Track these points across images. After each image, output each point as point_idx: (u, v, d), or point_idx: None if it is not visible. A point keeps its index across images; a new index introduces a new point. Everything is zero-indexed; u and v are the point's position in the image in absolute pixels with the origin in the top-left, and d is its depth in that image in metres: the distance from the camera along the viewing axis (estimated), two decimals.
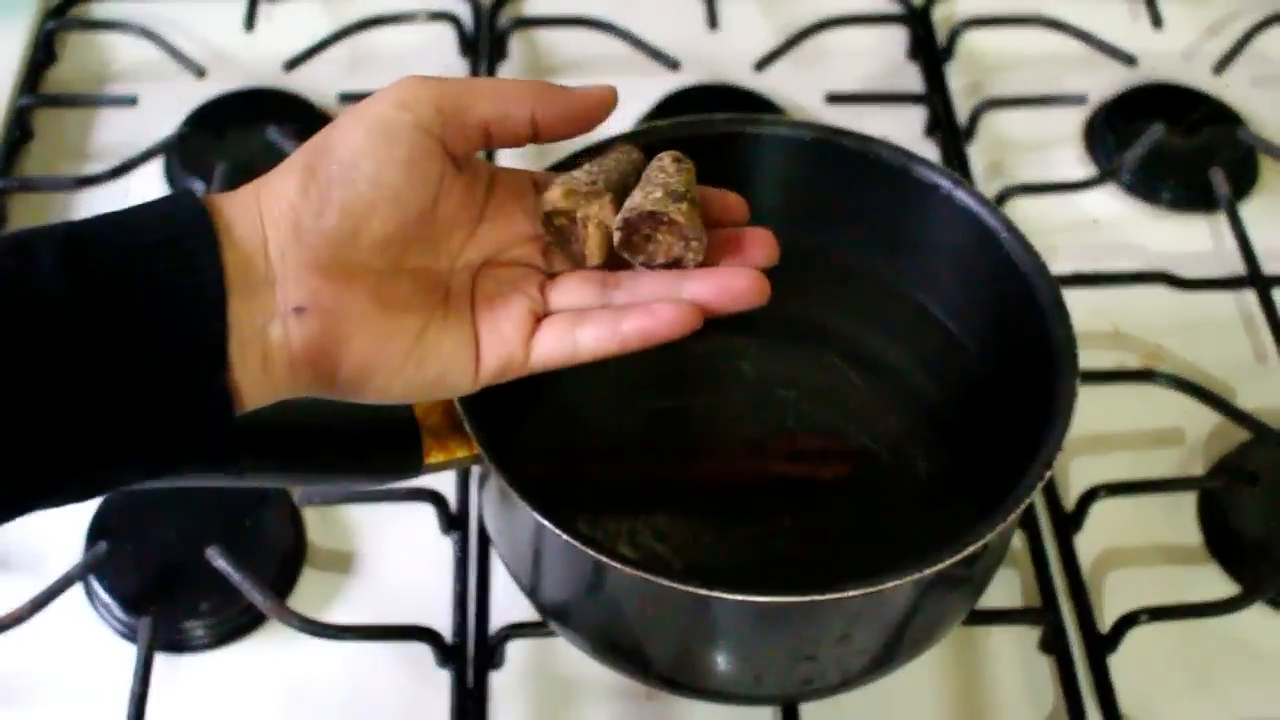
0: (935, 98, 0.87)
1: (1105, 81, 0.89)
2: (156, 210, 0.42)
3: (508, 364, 0.46)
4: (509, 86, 0.46)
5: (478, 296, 0.47)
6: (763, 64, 0.89)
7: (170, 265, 0.41)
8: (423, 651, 0.62)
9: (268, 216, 0.43)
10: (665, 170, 0.49)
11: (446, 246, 0.47)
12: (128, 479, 0.42)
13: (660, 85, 0.87)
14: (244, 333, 0.41)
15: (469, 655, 0.63)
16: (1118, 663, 0.63)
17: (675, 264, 0.48)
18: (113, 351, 0.39)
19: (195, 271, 0.41)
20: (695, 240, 0.47)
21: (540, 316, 0.47)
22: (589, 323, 0.47)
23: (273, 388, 0.43)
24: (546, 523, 0.51)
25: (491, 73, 0.88)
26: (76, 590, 0.64)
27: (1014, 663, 0.64)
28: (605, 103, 0.47)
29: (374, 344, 0.44)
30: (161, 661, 0.62)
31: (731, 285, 0.47)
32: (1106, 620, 0.65)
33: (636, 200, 0.48)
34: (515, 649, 0.63)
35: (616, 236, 0.48)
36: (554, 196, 0.47)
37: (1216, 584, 0.67)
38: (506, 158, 0.84)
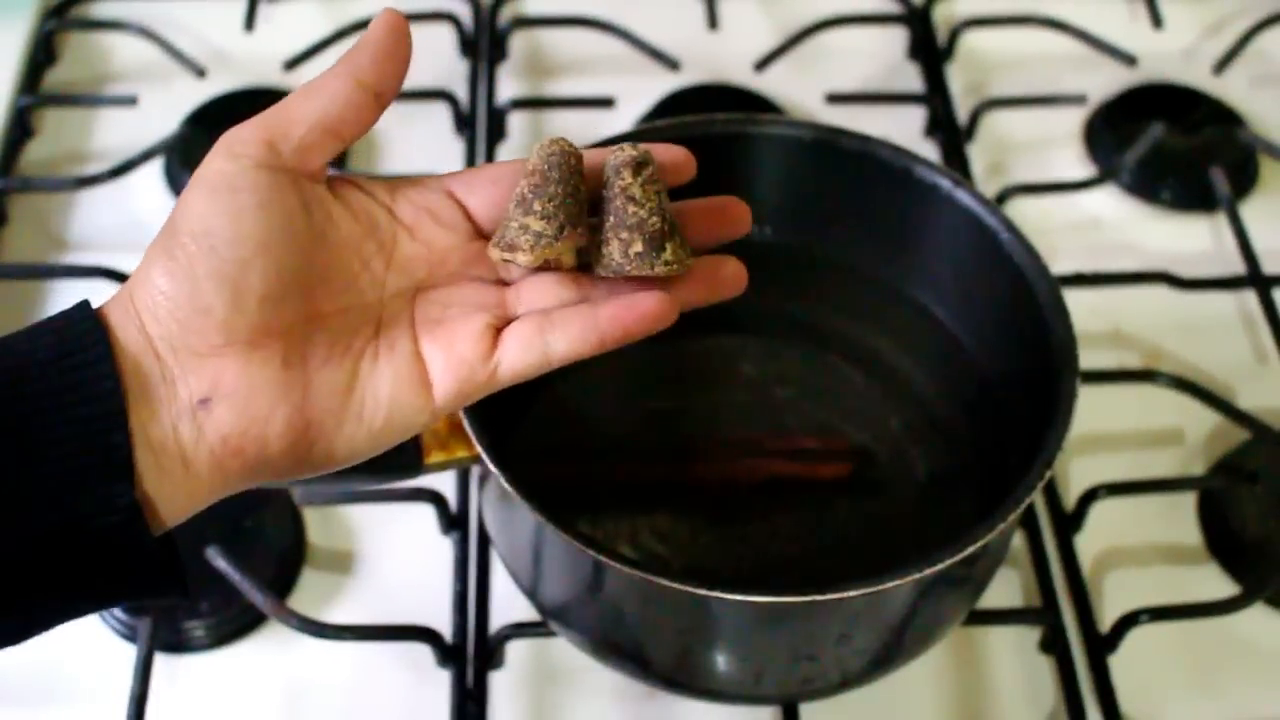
0: (935, 98, 0.87)
1: (1105, 81, 0.89)
2: (49, 326, 0.40)
3: (468, 385, 0.43)
4: (320, 77, 0.43)
5: (420, 322, 0.43)
6: (763, 64, 0.89)
7: (63, 381, 0.38)
8: (423, 651, 0.62)
9: (145, 313, 0.40)
10: (632, 197, 0.44)
11: (367, 278, 0.43)
12: (52, 619, 0.39)
13: (660, 85, 0.87)
14: (153, 439, 0.39)
15: (469, 655, 0.63)
16: (1118, 663, 0.63)
17: None
18: (6, 486, 0.37)
19: (90, 384, 0.38)
20: (684, 269, 0.44)
21: (502, 326, 0.43)
22: (560, 323, 0.43)
23: (205, 489, 0.40)
24: (546, 523, 0.51)
25: (491, 73, 0.88)
26: None
27: (1014, 663, 0.64)
28: (393, 23, 0.44)
29: (298, 413, 0.41)
30: (161, 661, 0.62)
31: (715, 276, 0.45)
32: (1106, 620, 0.65)
33: (615, 256, 0.44)
34: (515, 649, 0.63)
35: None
36: (524, 259, 0.43)
37: (1216, 584, 0.67)
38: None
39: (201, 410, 0.40)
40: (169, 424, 0.39)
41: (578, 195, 0.44)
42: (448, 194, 0.45)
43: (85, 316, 0.40)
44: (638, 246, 0.44)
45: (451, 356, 0.43)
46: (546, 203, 0.43)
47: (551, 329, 0.43)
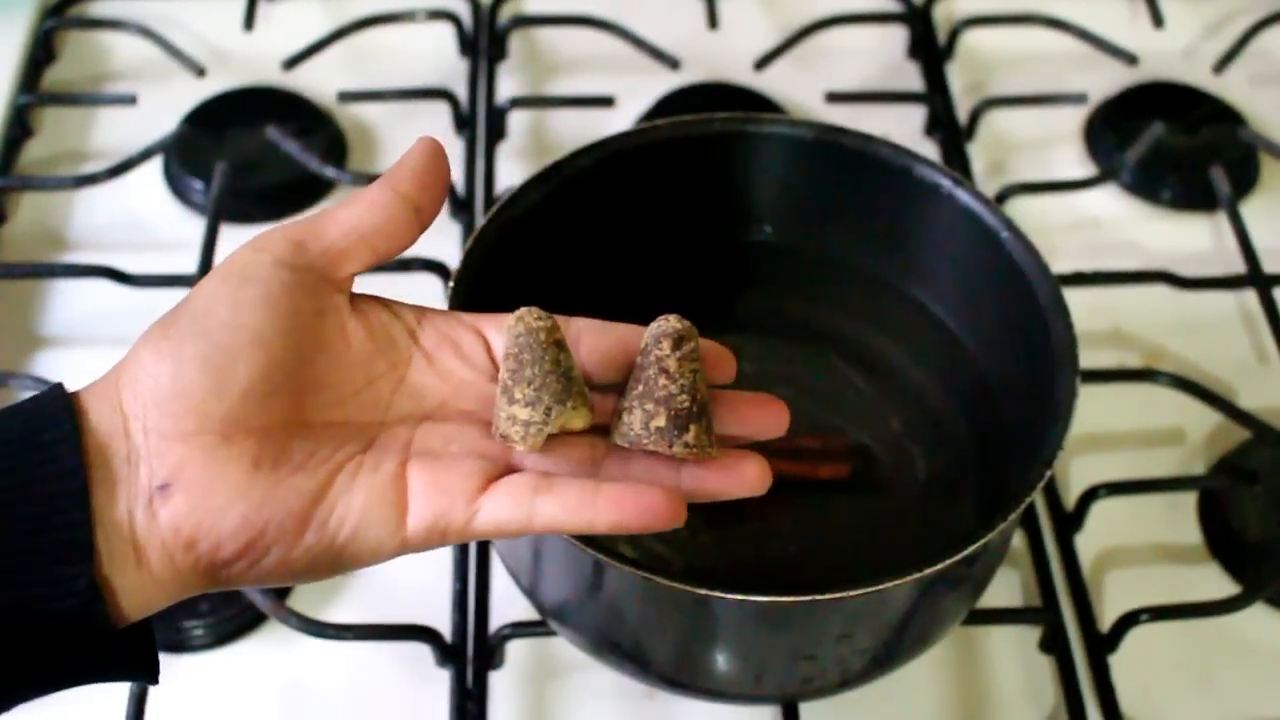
0: (935, 97, 0.87)
1: (1105, 80, 0.89)
2: (21, 407, 0.39)
3: (443, 521, 0.40)
4: (360, 190, 0.43)
5: (415, 450, 0.41)
6: (763, 63, 0.89)
7: (26, 459, 0.37)
8: (423, 651, 0.62)
9: (126, 392, 0.39)
10: (666, 369, 0.42)
11: (369, 396, 0.42)
12: (7, 702, 0.38)
13: (660, 85, 0.87)
14: (108, 523, 0.38)
15: (469, 655, 0.63)
16: (1118, 662, 0.63)
17: None
18: None
19: (53, 462, 0.37)
20: (703, 454, 0.42)
21: (499, 476, 0.41)
22: (558, 490, 0.40)
23: (156, 585, 0.39)
24: None
25: (491, 72, 0.88)
26: None
27: (1014, 663, 0.64)
28: (430, 149, 0.43)
29: (256, 512, 0.39)
30: (161, 662, 0.62)
31: (735, 472, 0.42)
32: (1106, 620, 0.65)
33: (634, 427, 0.42)
34: (515, 649, 0.63)
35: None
36: (521, 448, 0.42)
37: (1216, 584, 0.67)
38: None
39: (159, 496, 0.38)
40: (125, 508, 0.38)
41: (559, 367, 0.41)
42: (476, 331, 0.44)
43: (57, 396, 0.39)
44: (660, 421, 0.42)
45: (434, 485, 0.40)
46: (526, 388, 0.41)
47: (547, 492, 0.40)
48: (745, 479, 0.43)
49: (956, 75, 0.90)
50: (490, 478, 0.41)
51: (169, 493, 0.38)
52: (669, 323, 0.42)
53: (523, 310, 0.42)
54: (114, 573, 0.38)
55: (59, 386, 0.40)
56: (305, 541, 0.40)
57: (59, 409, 0.39)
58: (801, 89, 0.88)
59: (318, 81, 0.87)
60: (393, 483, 0.41)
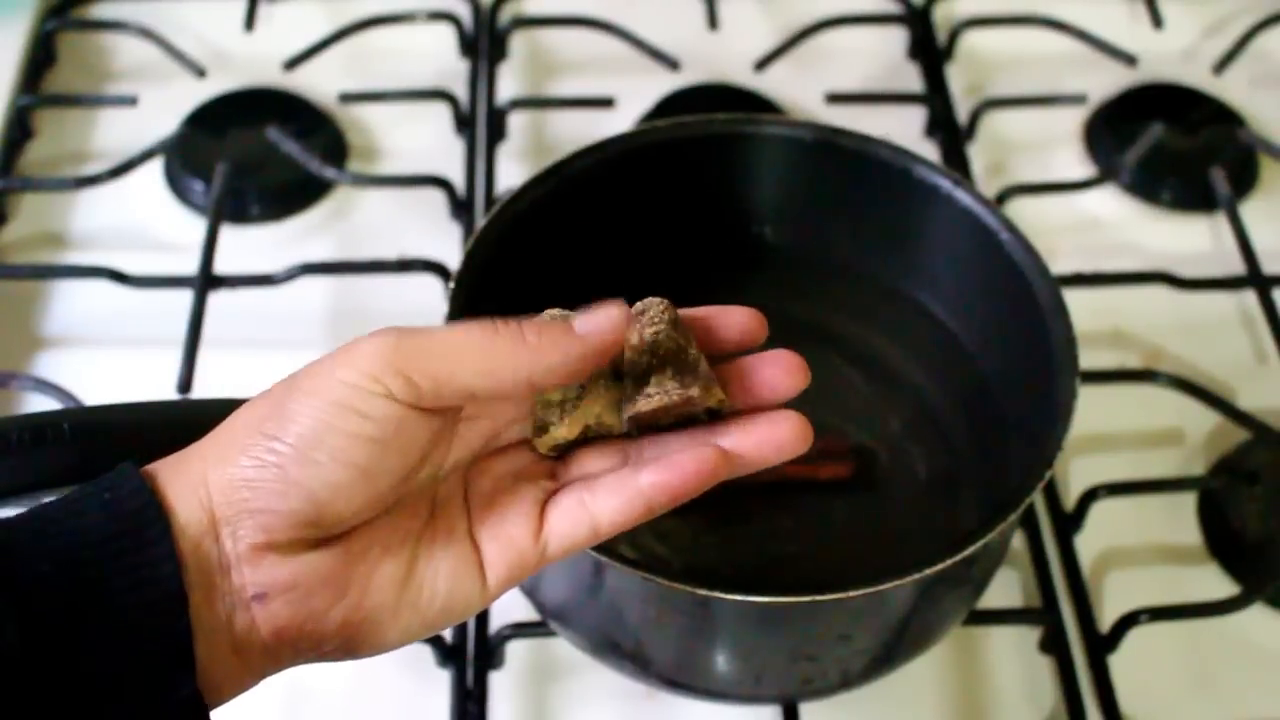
0: (935, 98, 0.87)
1: (1105, 81, 0.89)
2: (96, 500, 0.37)
3: (518, 569, 0.41)
4: (502, 354, 0.39)
5: (473, 499, 0.42)
6: (763, 64, 0.89)
7: (118, 564, 0.36)
8: (423, 652, 0.62)
9: (218, 494, 0.38)
10: (632, 344, 0.42)
11: (434, 457, 0.42)
12: None
13: (660, 85, 0.87)
14: (204, 626, 0.37)
15: (469, 655, 0.63)
16: (1118, 663, 0.63)
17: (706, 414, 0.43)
18: (63, 677, 0.35)
19: (148, 566, 0.36)
20: (704, 390, 0.42)
21: (550, 498, 0.42)
22: (603, 493, 0.41)
23: (253, 673, 0.39)
24: None
25: (491, 73, 0.88)
26: None
27: (1014, 663, 0.64)
28: (618, 322, 0.40)
29: (355, 609, 0.39)
30: None
31: (774, 436, 0.42)
32: (1106, 620, 0.65)
33: (638, 402, 0.42)
34: (515, 649, 0.63)
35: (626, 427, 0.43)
36: (561, 432, 0.42)
37: (1216, 584, 0.67)
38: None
39: (257, 604, 0.38)
40: (223, 613, 0.38)
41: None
42: None
43: (136, 489, 0.38)
44: (629, 390, 0.42)
45: (502, 538, 0.41)
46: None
47: (594, 501, 0.41)
48: (783, 438, 0.42)
49: (956, 76, 0.90)
50: (542, 504, 0.42)
51: (266, 600, 0.38)
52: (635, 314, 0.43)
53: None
54: (214, 671, 0.38)
55: (133, 474, 0.38)
56: (400, 622, 0.40)
57: (144, 504, 0.38)
58: (801, 90, 0.88)
59: (318, 82, 0.87)
60: (469, 549, 0.41)
